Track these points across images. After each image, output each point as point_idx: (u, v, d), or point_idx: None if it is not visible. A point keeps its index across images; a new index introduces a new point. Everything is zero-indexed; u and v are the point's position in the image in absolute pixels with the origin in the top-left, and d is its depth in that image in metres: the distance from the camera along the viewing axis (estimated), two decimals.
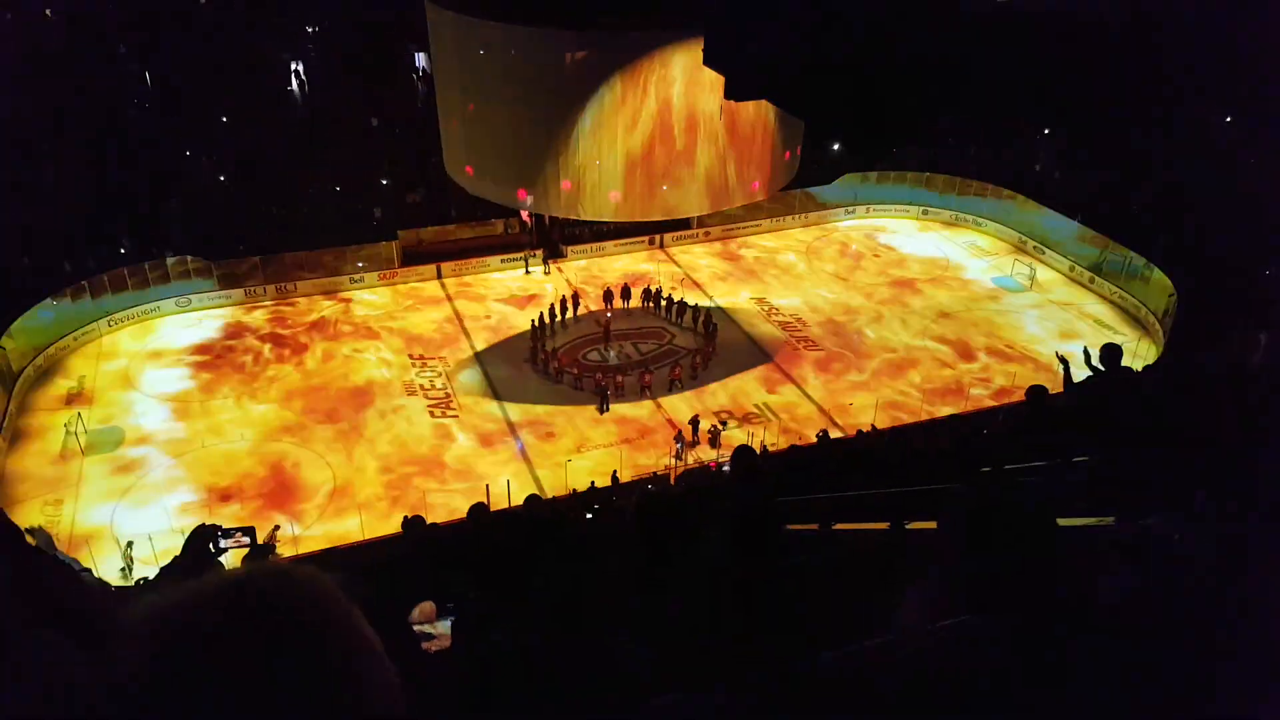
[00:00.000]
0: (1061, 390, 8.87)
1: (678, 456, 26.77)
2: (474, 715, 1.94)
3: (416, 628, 4.12)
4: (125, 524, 24.19)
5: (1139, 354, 30.77)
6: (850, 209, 44.26)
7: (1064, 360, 8.91)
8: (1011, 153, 43.12)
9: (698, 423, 27.65)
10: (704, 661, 1.49)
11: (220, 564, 3.49)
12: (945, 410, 29.10)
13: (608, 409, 29.14)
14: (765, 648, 1.43)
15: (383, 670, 0.96)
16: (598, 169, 23.26)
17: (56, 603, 2.60)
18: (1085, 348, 8.15)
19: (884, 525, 6.11)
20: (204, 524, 3.60)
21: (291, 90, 40.93)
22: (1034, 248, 39.93)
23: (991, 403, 29.31)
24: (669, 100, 22.42)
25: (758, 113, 23.54)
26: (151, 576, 8.23)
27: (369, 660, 0.95)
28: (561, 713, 1.37)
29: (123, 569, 21.82)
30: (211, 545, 3.56)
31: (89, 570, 7.51)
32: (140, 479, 26.15)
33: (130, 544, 22.41)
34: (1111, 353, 7.37)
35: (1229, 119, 32.19)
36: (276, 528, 22.56)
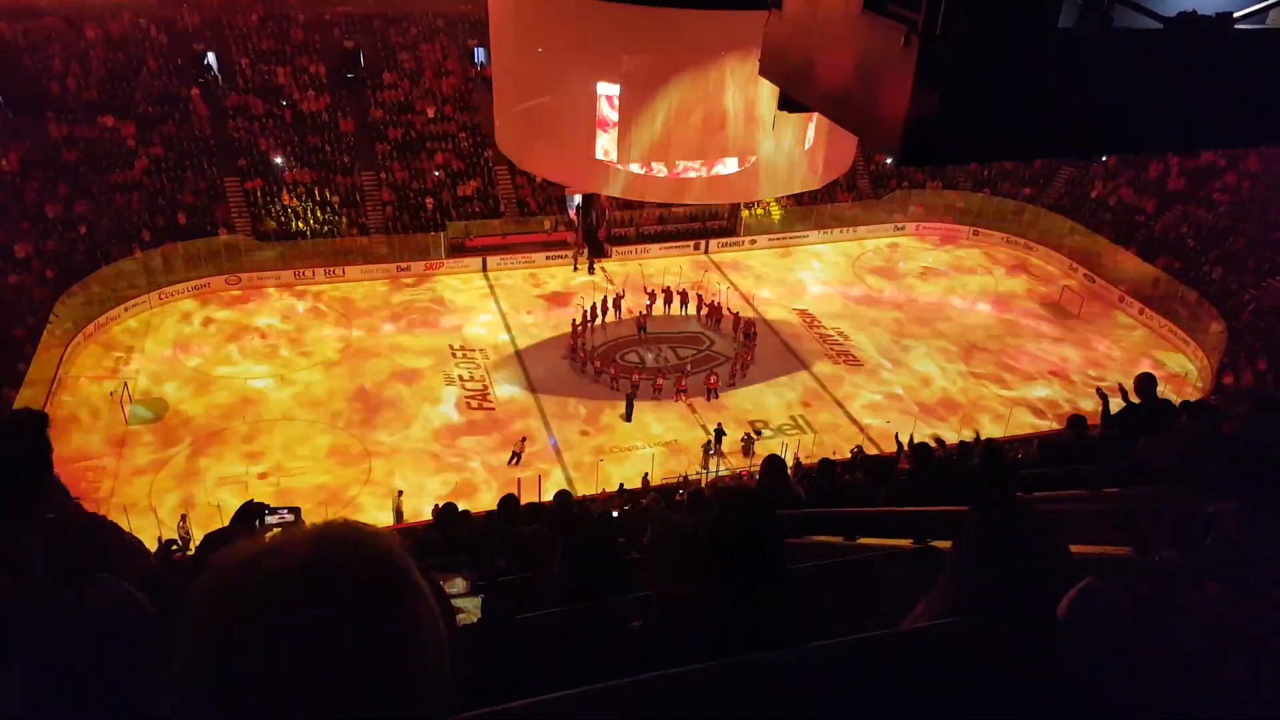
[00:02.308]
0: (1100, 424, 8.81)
1: (705, 466, 26.81)
2: (500, 683, 2.06)
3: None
4: (163, 496, 24.87)
5: (1188, 384, 30.22)
6: (900, 225, 43.93)
7: (1104, 395, 8.85)
8: (1066, 175, 42.54)
9: (722, 433, 27.56)
10: (695, 639, 1.59)
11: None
12: (984, 434, 28.71)
13: (631, 418, 29.22)
14: (757, 631, 1.54)
15: (441, 625, 1.03)
16: (648, 148, 22.93)
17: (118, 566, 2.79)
18: (1120, 385, 8.12)
19: (908, 543, 6.16)
20: (252, 500, 3.79)
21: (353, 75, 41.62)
22: (1084, 275, 39.31)
23: (1030, 429, 28.92)
24: (722, 90, 22.05)
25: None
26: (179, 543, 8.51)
27: (432, 616, 1.01)
28: (580, 683, 1.48)
29: (173, 543, 22.27)
30: (258, 521, 3.74)
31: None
32: (181, 451, 26.82)
33: (184, 516, 22.83)
34: (1146, 382, 7.35)
35: None
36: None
